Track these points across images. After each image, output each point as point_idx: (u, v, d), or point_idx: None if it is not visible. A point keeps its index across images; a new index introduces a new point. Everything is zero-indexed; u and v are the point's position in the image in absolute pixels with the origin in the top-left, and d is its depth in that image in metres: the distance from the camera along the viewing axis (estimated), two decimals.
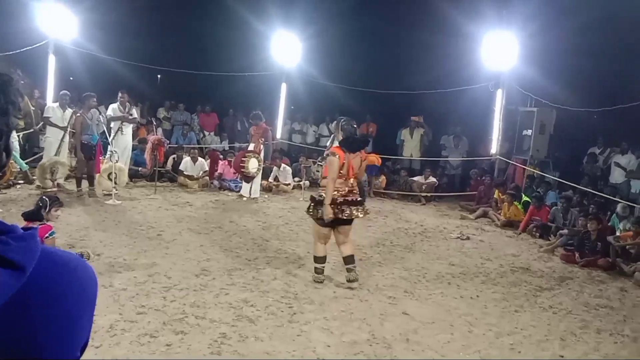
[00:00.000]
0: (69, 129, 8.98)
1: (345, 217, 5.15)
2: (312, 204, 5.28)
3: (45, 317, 0.76)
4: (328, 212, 5.04)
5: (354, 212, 5.16)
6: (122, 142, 9.35)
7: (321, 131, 14.07)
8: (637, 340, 4.63)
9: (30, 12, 10.16)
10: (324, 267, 5.35)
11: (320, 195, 5.20)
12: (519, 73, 11.05)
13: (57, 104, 9.15)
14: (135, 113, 9.86)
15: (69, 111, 9.04)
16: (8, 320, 0.72)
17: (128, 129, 9.54)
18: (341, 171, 5.11)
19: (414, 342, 4.13)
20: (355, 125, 5.37)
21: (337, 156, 5.10)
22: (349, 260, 5.26)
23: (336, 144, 9.03)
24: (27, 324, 0.74)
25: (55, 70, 10.56)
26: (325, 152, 10.31)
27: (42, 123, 9.51)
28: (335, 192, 5.10)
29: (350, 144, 5.17)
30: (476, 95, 11.65)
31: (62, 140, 8.96)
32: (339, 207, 5.11)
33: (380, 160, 11.26)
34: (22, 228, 2.88)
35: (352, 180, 5.23)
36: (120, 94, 9.42)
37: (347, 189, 5.18)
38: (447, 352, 4.00)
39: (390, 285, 5.47)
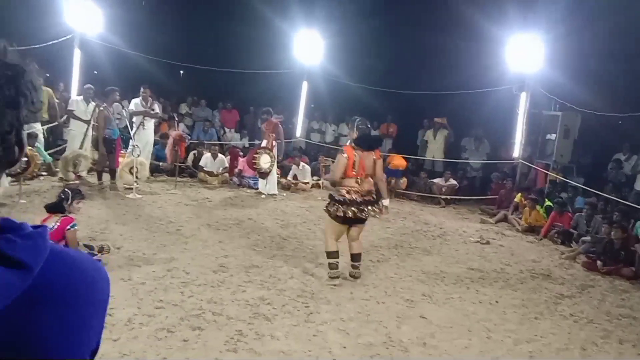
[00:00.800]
0: (92, 123, 9.08)
1: (364, 217, 5.27)
2: (330, 202, 5.33)
3: (54, 319, 0.73)
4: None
5: (371, 212, 5.27)
6: (144, 137, 9.44)
7: (341, 130, 14.03)
8: None
9: (57, 6, 10.30)
10: (337, 261, 5.34)
11: (341, 195, 5.23)
12: (544, 76, 10.87)
13: (82, 97, 9.25)
14: (157, 108, 9.95)
15: (92, 105, 9.14)
16: (15, 321, 0.69)
17: (150, 124, 9.62)
18: (353, 170, 5.22)
19: (431, 347, 4.08)
20: (369, 126, 5.50)
21: (345, 155, 5.25)
22: (357, 257, 5.45)
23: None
24: (35, 325, 0.71)
25: (80, 64, 10.68)
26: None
27: (65, 116, 9.62)
28: (351, 192, 5.20)
29: (363, 143, 5.28)
30: (499, 98, 11.49)
31: (85, 133, 9.07)
32: (358, 206, 5.18)
33: (405, 163, 11.23)
34: (44, 220, 2.92)
35: (367, 179, 5.31)
36: (142, 89, 9.52)
37: (365, 188, 5.27)
38: (465, 358, 3.94)
39: (407, 288, 5.42)
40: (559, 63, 10.73)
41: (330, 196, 5.39)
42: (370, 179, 5.38)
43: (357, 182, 5.26)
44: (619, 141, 11.65)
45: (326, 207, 5.40)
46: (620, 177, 10.92)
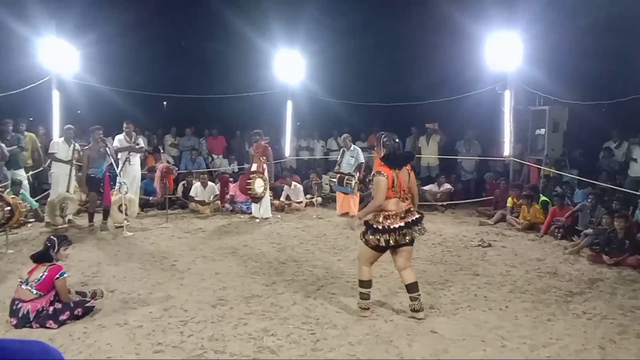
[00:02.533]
0: (74, 163, 8.92)
1: (407, 241, 4.69)
2: (368, 231, 4.71)
3: None
4: (353, 223, 4.91)
5: (415, 233, 4.72)
6: (131, 172, 9.26)
7: (329, 146, 13.96)
8: None
9: (31, 48, 10.17)
10: (369, 292, 4.89)
11: (379, 222, 4.66)
12: (525, 73, 10.87)
13: (62, 138, 9.10)
14: (142, 142, 9.80)
15: (73, 145, 8.99)
16: None
17: (136, 159, 9.46)
18: (393, 189, 4.64)
19: None
20: (397, 140, 4.88)
21: (385, 175, 4.62)
22: (413, 287, 4.80)
23: (361, 158, 8.54)
24: None
25: (60, 106, 10.52)
26: (336, 169, 10.26)
27: (49, 160, 9.44)
28: (390, 217, 4.63)
29: (394, 161, 4.70)
30: (484, 99, 11.47)
31: (69, 174, 8.89)
32: (400, 232, 4.62)
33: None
34: (31, 270, 2.78)
35: (406, 197, 4.79)
36: (125, 124, 9.37)
37: (404, 208, 4.70)
38: None
39: None
40: (538, 60, 10.75)
41: (367, 224, 4.73)
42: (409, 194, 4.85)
43: (398, 202, 4.69)
44: (607, 129, 11.64)
45: (363, 235, 4.76)
46: (613, 164, 10.87)
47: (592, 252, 7.16)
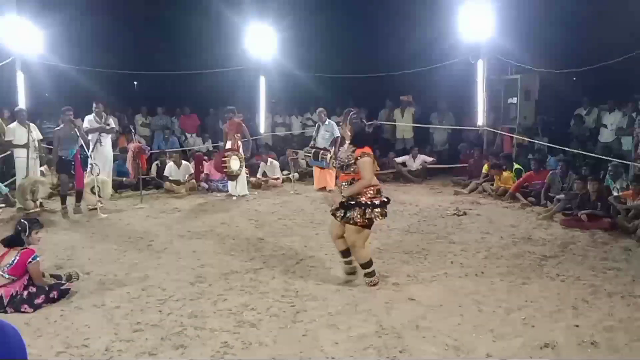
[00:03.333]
0: (31, 145, 8.67)
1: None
2: (368, 209, 4.63)
3: None
4: (331, 199, 4.94)
5: None
6: (102, 154, 9.07)
7: (305, 121, 13.85)
8: None
9: None
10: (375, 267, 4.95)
11: (377, 197, 4.69)
12: (496, 43, 10.92)
13: (16, 122, 8.84)
14: (112, 122, 9.59)
15: (32, 126, 8.77)
16: None
17: (107, 140, 9.26)
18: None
19: (424, 329, 3.97)
20: (363, 119, 4.90)
21: (370, 155, 4.67)
22: (348, 253, 4.99)
23: (336, 133, 8.45)
24: None
25: (25, 88, 10.20)
26: (311, 144, 10.20)
27: (9, 149, 9.15)
28: (380, 190, 4.74)
29: (362, 140, 4.73)
30: (457, 69, 11.50)
31: (28, 158, 8.65)
32: (386, 208, 4.78)
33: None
34: (2, 255, 2.72)
35: None
36: (95, 105, 9.14)
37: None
38: (460, 335, 3.85)
39: (392, 271, 5.31)
40: (510, 29, 10.79)
41: (358, 205, 4.64)
42: None
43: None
44: (578, 97, 11.80)
45: (363, 217, 4.63)
46: (584, 131, 11.06)
47: (565, 217, 7.31)
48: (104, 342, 3.79)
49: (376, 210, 4.66)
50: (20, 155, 8.75)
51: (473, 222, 7.46)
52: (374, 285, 4.85)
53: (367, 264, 4.86)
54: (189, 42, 13.91)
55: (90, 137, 8.91)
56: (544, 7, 11.07)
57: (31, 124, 8.87)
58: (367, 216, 4.66)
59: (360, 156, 4.64)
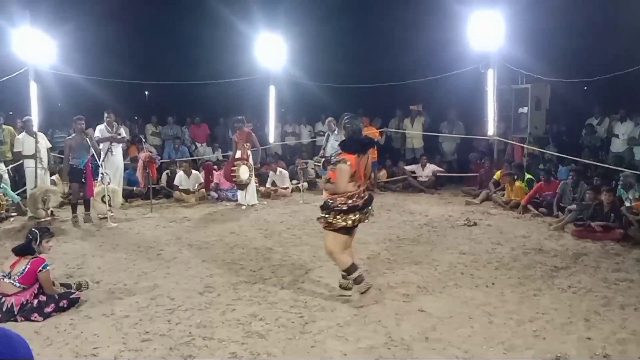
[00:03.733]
0: (39, 157, 8.74)
1: (367, 220, 4.76)
2: (329, 214, 4.61)
3: None
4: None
5: (370, 213, 4.78)
6: (113, 163, 9.15)
7: (317, 130, 13.84)
8: None
9: (6, 39, 9.93)
10: (361, 272, 4.75)
11: (341, 203, 4.58)
12: (506, 52, 10.89)
13: (24, 132, 8.94)
14: (123, 132, 9.67)
15: (40, 136, 8.86)
16: None
17: (118, 149, 9.34)
18: (352, 178, 4.59)
19: (434, 340, 3.93)
20: (358, 124, 4.82)
21: (348, 164, 4.54)
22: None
23: (335, 139, 8.41)
24: None
25: (38, 98, 10.31)
26: (321, 153, 10.20)
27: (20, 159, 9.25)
28: (353, 196, 4.58)
29: (350, 146, 4.64)
30: (467, 78, 11.47)
31: (35, 168, 8.73)
32: (364, 212, 4.65)
33: (378, 134, 11.09)
34: (13, 264, 2.74)
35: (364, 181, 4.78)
36: (106, 114, 9.23)
37: (362, 188, 4.69)
38: (470, 347, 3.81)
39: (401, 282, 5.27)
40: (520, 38, 10.77)
41: (326, 207, 4.63)
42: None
43: (357, 185, 4.65)
44: (589, 106, 11.73)
45: (325, 220, 4.63)
46: (595, 141, 10.98)
47: (576, 228, 7.23)
48: (113, 351, 3.79)
49: (339, 216, 4.56)
50: (29, 165, 8.85)
51: (484, 233, 7.40)
52: (365, 291, 4.66)
53: (350, 270, 4.69)
54: (199, 52, 14.04)
55: (101, 146, 8.99)
56: (555, 16, 11.07)
57: (39, 134, 8.96)
58: (330, 220, 4.59)
59: (339, 161, 4.60)
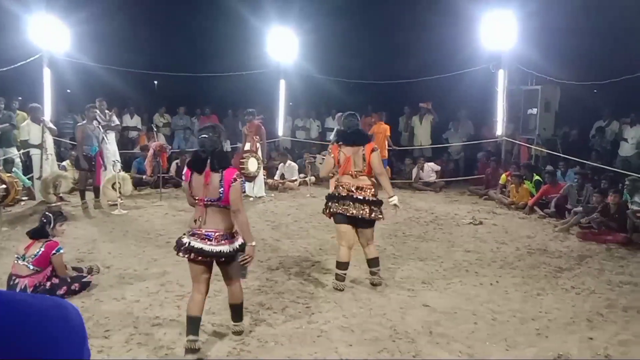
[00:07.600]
0: (44, 146, 8.83)
1: (340, 212, 4.82)
2: (325, 202, 5.05)
3: None
4: None
5: (352, 209, 4.77)
6: (109, 150, 9.14)
7: (327, 125, 13.85)
8: None
9: (22, 25, 10.02)
10: (345, 274, 4.94)
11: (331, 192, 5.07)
12: (518, 52, 10.88)
13: (29, 119, 9.02)
14: (116, 119, 9.71)
15: (46, 121, 8.95)
16: None
17: (111, 137, 9.38)
18: (339, 168, 4.92)
19: (438, 335, 4.01)
20: (353, 120, 5.07)
21: (331, 156, 5.03)
22: (373, 262, 5.04)
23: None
24: None
25: (51, 84, 10.41)
26: (329, 148, 10.26)
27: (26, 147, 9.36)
28: (339, 187, 4.91)
29: (343, 138, 4.99)
30: (478, 77, 11.48)
31: (41, 156, 8.82)
32: (339, 201, 4.83)
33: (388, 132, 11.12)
34: (27, 246, 2.82)
35: (363, 177, 4.88)
36: (97, 102, 9.21)
37: (357, 185, 4.83)
38: (473, 343, 3.88)
39: (407, 277, 5.35)
40: (532, 39, 10.75)
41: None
42: (366, 176, 4.90)
43: (351, 177, 4.86)
44: (599, 109, 11.71)
45: (323, 209, 5.10)
46: (605, 144, 10.97)
47: (582, 230, 7.27)
48: (124, 334, 3.89)
49: (328, 202, 4.98)
50: (35, 152, 8.97)
51: (489, 232, 7.46)
52: (334, 289, 4.86)
53: (337, 264, 4.95)
54: (211, 44, 14.11)
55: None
56: (567, 18, 11.04)
57: (45, 119, 9.02)
58: (325, 206, 5.03)
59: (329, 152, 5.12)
